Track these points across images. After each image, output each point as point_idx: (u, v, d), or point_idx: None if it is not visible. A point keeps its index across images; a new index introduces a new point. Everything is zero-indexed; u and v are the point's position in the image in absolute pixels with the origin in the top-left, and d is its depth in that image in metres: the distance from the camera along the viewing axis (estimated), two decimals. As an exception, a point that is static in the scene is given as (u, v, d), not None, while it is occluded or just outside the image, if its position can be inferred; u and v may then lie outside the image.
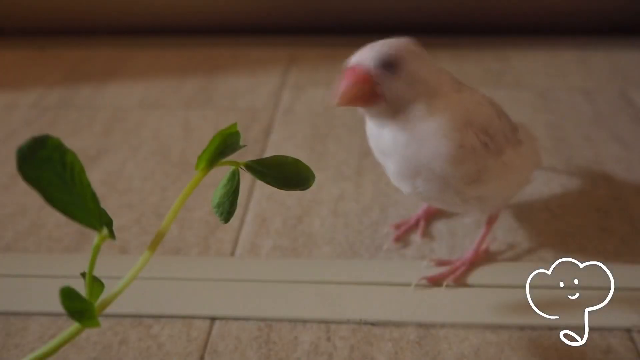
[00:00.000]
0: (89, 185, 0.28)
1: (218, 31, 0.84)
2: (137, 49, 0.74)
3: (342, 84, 0.35)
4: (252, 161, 0.32)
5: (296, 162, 0.32)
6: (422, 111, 0.36)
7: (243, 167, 0.31)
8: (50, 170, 0.26)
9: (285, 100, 0.68)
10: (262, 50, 0.80)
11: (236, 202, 0.32)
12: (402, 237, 0.46)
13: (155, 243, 0.30)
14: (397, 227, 0.47)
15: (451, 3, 0.81)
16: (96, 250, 0.29)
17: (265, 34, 0.83)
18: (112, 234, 0.29)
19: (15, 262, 0.45)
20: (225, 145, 0.31)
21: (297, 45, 0.81)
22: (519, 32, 0.80)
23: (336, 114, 0.64)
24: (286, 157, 0.32)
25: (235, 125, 0.31)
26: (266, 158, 0.32)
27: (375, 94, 0.36)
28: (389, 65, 0.35)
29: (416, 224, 0.47)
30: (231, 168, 0.32)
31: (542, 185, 0.51)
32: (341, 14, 0.83)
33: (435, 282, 0.41)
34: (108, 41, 0.81)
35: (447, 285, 0.41)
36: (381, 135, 0.38)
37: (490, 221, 0.43)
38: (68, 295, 0.28)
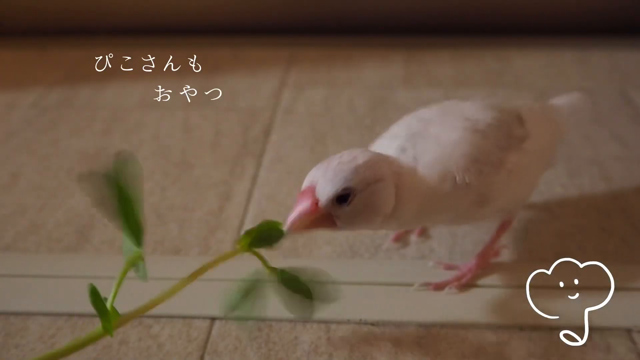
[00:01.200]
0: (139, 212, 0.33)
1: (218, 31, 0.84)
2: (137, 49, 0.74)
3: (295, 212, 0.33)
4: (287, 270, 0.34)
5: (323, 275, 0.35)
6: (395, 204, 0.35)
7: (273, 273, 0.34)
8: (121, 188, 0.33)
9: (285, 100, 0.68)
10: (262, 50, 0.80)
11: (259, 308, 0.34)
12: (402, 237, 0.46)
13: (194, 276, 0.35)
14: (397, 226, 0.47)
15: (451, 3, 0.81)
16: (123, 275, 0.32)
17: (265, 34, 0.83)
18: (140, 260, 0.32)
19: (15, 262, 0.45)
20: (269, 234, 0.34)
21: (297, 45, 0.81)
22: (519, 32, 0.80)
23: (336, 114, 0.64)
24: (315, 270, 0.35)
25: (281, 224, 0.34)
26: (300, 269, 0.34)
27: (328, 220, 0.34)
28: (343, 198, 0.33)
29: (416, 223, 0.47)
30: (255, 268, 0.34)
31: (542, 185, 0.51)
32: (341, 14, 0.83)
33: (438, 288, 0.41)
34: (108, 41, 0.81)
35: (449, 289, 0.41)
36: None
37: (504, 225, 0.42)
38: (95, 293, 0.30)
